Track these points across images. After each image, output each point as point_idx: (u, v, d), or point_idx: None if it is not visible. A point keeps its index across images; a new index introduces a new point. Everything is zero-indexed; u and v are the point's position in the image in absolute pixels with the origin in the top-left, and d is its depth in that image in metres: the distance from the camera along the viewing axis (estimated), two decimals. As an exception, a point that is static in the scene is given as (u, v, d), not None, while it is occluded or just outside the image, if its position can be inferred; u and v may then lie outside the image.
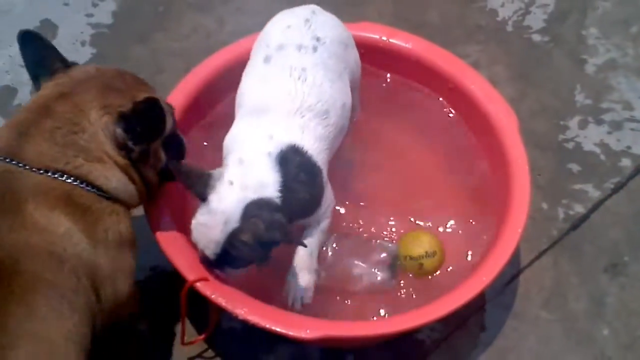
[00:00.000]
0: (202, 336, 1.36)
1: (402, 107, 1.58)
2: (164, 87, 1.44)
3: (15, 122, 1.17)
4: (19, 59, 1.82)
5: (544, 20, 1.97)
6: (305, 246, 1.23)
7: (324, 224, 1.32)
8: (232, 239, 1.15)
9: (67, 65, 1.23)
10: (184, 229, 1.28)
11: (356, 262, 1.38)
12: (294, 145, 1.26)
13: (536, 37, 1.93)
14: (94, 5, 1.99)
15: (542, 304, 1.49)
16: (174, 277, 1.31)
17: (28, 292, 1.03)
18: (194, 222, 1.19)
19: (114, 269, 1.15)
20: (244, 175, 1.18)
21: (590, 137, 1.76)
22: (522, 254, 1.55)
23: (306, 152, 1.26)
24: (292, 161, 1.23)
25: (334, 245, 1.38)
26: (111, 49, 1.90)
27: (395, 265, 1.41)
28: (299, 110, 1.26)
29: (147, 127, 1.18)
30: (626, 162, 1.71)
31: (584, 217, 1.62)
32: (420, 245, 1.41)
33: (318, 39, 1.34)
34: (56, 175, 1.12)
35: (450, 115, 1.57)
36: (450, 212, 1.49)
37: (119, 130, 1.16)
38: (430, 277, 1.40)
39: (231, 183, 1.17)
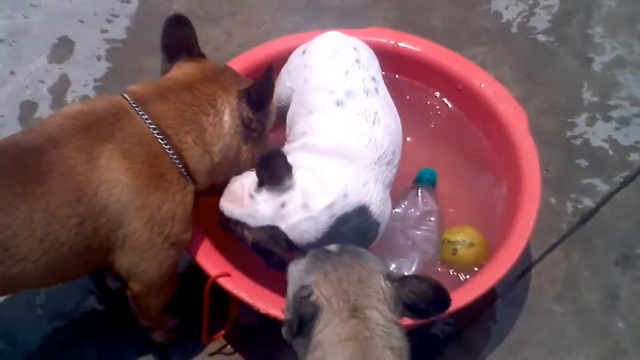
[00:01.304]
0: (222, 332, 1.40)
1: (409, 108, 1.62)
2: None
3: (159, 84, 1.30)
4: (38, 74, 1.97)
5: (548, 21, 2.01)
6: None
7: None
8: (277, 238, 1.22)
9: (202, 55, 1.35)
10: (207, 229, 1.33)
11: (406, 246, 1.42)
12: (362, 205, 1.29)
13: (541, 38, 1.98)
14: (109, 21, 2.07)
15: (554, 298, 1.52)
16: (191, 275, 1.36)
17: (19, 197, 1.12)
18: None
19: (148, 244, 1.22)
20: (296, 213, 1.23)
21: (598, 133, 1.79)
22: (532, 248, 1.58)
23: (370, 211, 1.29)
24: (352, 220, 1.27)
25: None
26: (126, 63, 1.97)
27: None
28: (378, 160, 1.31)
29: (262, 93, 1.28)
30: (635, 157, 1.74)
31: (594, 211, 1.65)
32: (461, 233, 1.46)
33: (374, 79, 1.40)
34: (160, 137, 1.22)
35: (458, 114, 1.61)
36: (460, 214, 1.52)
37: (240, 102, 1.26)
38: (458, 268, 1.43)
39: (282, 206, 1.23)
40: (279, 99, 1.50)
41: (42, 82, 1.96)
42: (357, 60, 1.41)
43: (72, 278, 1.30)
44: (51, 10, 2.11)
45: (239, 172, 1.32)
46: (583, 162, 1.73)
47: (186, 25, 1.33)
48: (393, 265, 1.41)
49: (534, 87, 1.87)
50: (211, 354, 1.45)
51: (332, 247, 1.11)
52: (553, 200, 1.66)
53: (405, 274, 1.39)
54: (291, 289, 1.08)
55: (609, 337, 1.46)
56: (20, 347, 1.49)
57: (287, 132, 1.44)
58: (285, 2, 2.08)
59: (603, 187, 1.69)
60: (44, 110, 1.88)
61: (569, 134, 1.79)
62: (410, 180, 1.52)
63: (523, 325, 1.48)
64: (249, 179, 1.28)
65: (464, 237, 1.43)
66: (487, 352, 1.44)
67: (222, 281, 1.27)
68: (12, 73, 1.95)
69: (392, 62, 1.56)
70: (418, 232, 1.43)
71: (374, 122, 1.33)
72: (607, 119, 1.81)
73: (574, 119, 1.81)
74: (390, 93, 1.45)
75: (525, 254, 1.57)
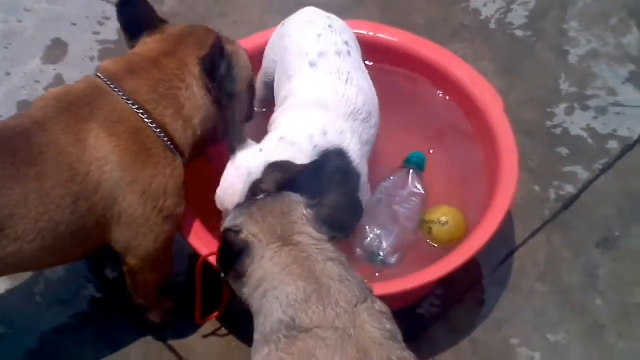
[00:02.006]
0: (216, 313, 1.45)
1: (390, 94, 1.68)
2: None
3: (128, 60, 1.34)
4: (33, 75, 2.03)
5: (525, 17, 2.09)
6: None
7: None
8: (254, 189, 1.25)
9: (163, 22, 1.39)
10: (199, 211, 1.39)
11: (388, 220, 1.47)
12: (341, 149, 1.37)
13: (519, 33, 2.05)
14: (100, 24, 2.13)
15: (536, 278, 1.58)
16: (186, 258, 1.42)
17: (14, 179, 1.17)
18: (219, 187, 1.31)
19: (143, 218, 1.26)
20: (277, 148, 1.29)
21: (577, 123, 1.86)
22: (516, 234, 1.65)
23: (350, 157, 1.35)
24: (333, 160, 1.31)
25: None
26: None
27: (375, 261, 1.47)
28: (352, 114, 1.38)
29: (214, 60, 1.30)
30: (613, 144, 1.81)
31: (575, 197, 1.71)
32: (437, 212, 1.52)
33: (347, 43, 1.48)
34: (140, 111, 1.26)
35: (440, 97, 1.68)
36: (443, 194, 1.58)
37: (201, 73, 1.30)
38: (436, 245, 1.50)
39: (261, 150, 1.30)
40: (266, 74, 1.58)
41: (37, 82, 2.01)
42: (329, 26, 1.50)
43: (70, 259, 1.35)
44: (44, 14, 2.17)
45: (225, 134, 1.36)
46: (564, 151, 1.80)
47: (139, 2, 1.36)
48: (376, 231, 1.46)
49: (513, 80, 1.94)
50: (205, 336, 1.50)
51: (258, 197, 1.20)
52: (537, 188, 1.73)
53: (383, 244, 1.45)
54: None
55: (588, 314, 1.52)
56: (18, 332, 1.53)
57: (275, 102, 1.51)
58: (274, 3, 2.14)
59: (583, 174, 1.75)
60: (39, 110, 1.95)
61: (549, 123, 1.86)
62: (397, 164, 1.57)
63: (506, 304, 1.53)
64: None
65: (438, 216, 1.50)
66: (471, 330, 1.50)
67: (213, 259, 1.28)
68: (8, 74, 2.00)
69: (371, 52, 1.63)
70: (401, 209, 1.49)
71: (347, 81, 1.41)
72: (585, 108, 1.88)
73: (553, 109, 1.88)
74: (373, 80, 1.51)
75: (509, 239, 1.64)
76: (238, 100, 1.38)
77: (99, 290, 1.59)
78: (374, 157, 1.54)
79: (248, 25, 2.13)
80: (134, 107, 1.26)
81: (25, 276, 1.61)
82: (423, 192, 1.53)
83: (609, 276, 1.57)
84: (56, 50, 2.08)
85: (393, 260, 1.47)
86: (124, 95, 1.26)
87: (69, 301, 1.58)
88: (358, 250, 1.47)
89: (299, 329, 1.07)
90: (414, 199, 1.51)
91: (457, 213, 1.53)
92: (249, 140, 1.36)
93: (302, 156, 1.29)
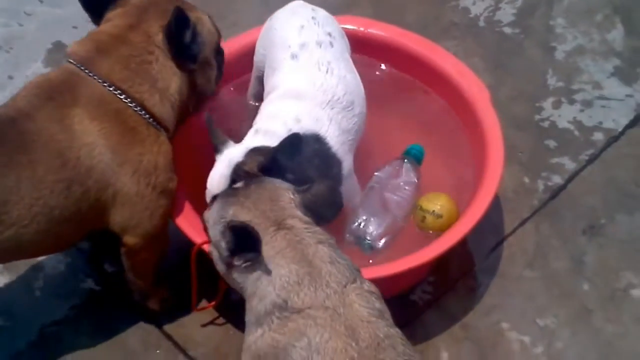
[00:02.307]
0: (212, 303, 1.50)
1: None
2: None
3: (96, 39, 1.36)
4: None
5: (513, 14, 2.15)
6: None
7: (354, 205, 1.49)
8: (237, 170, 1.30)
9: None
10: (192, 200, 1.45)
11: (379, 207, 1.53)
12: (317, 134, 1.41)
13: (507, 30, 2.12)
14: (100, 27, 2.20)
15: (525, 265, 1.63)
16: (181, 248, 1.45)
17: (6, 166, 1.22)
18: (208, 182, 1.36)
19: (138, 197, 1.30)
20: (254, 139, 1.35)
21: (564, 116, 1.92)
22: (505, 223, 1.70)
23: (327, 143, 1.40)
24: (308, 145, 1.36)
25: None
26: None
27: (364, 246, 1.52)
28: (330, 103, 1.43)
29: (182, 33, 1.33)
30: (598, 136, 1.87)
31: (562, 187, 1.77)
32: (434, 203, 1.57)
33: (330, 34, 1.53)
34: (117, 92, 1.30)
35: (425, 91, 1.74)
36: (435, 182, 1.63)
37: (164, 42, 1.32)
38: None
39: (242, 144, 1.35)
40: (257, 68, 1.64)
41: (38, 83, 2.10)
42: (312, 17, 1.55)
43: (68, 244, 1.40)
44: (45, 18, 2.23)
45: (201, 96, 1.42)
46: (552, 143, 1.86)
47: None
48: (364, 217, 1.52)
49: (503, 76, 2.00)
50: (204, 325, 1.55)
51: (237, 185, 1.26)
52: (526, 179, 1.79)
53: (371, 229, 1.50)
54: (213, 230, 1.21)
55: (576, 299, 1.58)
56: (18, 324, 1.59)
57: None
58: (271, 5, 2.19)
59: (570, 165, 1.81)
60: (40, 110, 2.01)
61: (537, 117, 1.92)
62: (386, 157, 1.63)
63: (496, 290, 1.59)
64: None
65: (434, 208, 1.54)
66: (462, 316, 1.55)
67: (207, 247, 1.33)
68: (10, 77, 2.06)
69: (362, 47, 1.69)
70: (393, 197, 1.54)
71: (327, 71, 1.45)
72: (572, 102, 1.94)
73: (541, 103, 1.94)
74: (360, 75, 1.57)
75: (499, 228, 1.70)
76: (207, 65, 1.41)
77: (98, 283, 1.64)
78: (365, 150, 1.60)
79: (247, 27, 2.17)
80: (110, 89, 1.29)
81: (24, 271, 1.67)
82: (416, 181, 1.58)
83: (596, 262, 1.63)
84: (57, 53, 2.14)
85: (380, 244, 1.52)
86: (99, 79, 1.29)
87: (67, 294, 1.64)
88: (347, 234, 1.52)
89: (290, 310, 1.12)
90: (407, 187, 1.57)
91: (452, 206, 1.57)
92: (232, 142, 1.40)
93: (277, 141, 1.33)
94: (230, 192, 1.24)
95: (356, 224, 1.52)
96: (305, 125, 1.40)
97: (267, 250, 1.15)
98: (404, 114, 1.74)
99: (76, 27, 2.22)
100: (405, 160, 1.61)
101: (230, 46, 1.67)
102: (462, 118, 1.67)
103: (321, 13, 1.59)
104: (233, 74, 1.71)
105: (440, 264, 1.60)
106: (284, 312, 1.12)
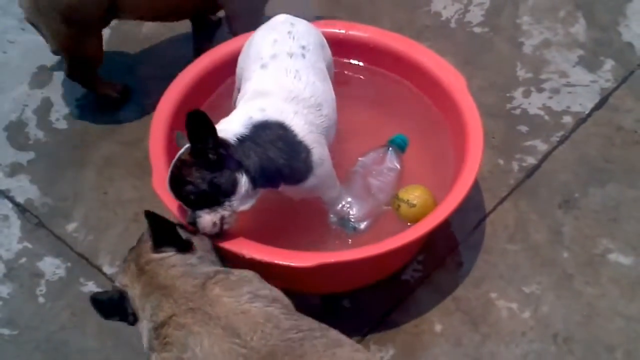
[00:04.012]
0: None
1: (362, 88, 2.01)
2: (152, 103, 1.85)
3: None
4: (21, 100, 2.31)
5: (482, 15, 2.45)
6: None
7: (331, 197, 1.68)
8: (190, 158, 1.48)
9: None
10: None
11: (362, 190, 1.73)
12: (282, 122, 1.56)
13: (477, 29, 2.40)
14: (84, 49, 2.42)
15: (507, 239, 1.86)
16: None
17: None
18: None
19: None
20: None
21: (534, 103, 2.19)
22: (485, 202, 1.94)
23: (293, 130, 1.55)
24: (272, 130, 1.53)
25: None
26: None
27: (347, 226, 1.72)
28: (295, 99, 1.59)
29: None
30: (567, 119, 2.13)
31: (536, 167, 2.02)
32: (410, 194, 1.76)
33: (304, 47, 1.69)
34: None
35: (406, 86, 1.98)
36: (417, 170, 1.86)
37: None
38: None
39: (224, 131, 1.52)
40: (238, 80, 1.81)
41: (26, 105, 2.30)
42: (288, 32, 1.72)
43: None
44: (28, 45, 2.46)
45: None
46: (524, 128, 2.12)
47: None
48: (348, 199, 1.72)
49: (474, 70, 2.27)
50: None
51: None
52: (501, 161, 2.03)
53: (354, 211, 1.71)
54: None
55: (557, 266, 1.80)
56: (25, 332, 1.76)
57: None
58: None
59: (542, 147, 2.06)
60: (31, 130, 2.20)
61: (509, 106, 2.18)
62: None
63: (482, 264, 1.81)
64: None
65: (409, 197, 1.75)
66: (453, 289, 1.76)
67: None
68: (-3, 100, 2.28)
69: (342, 48, 1.94)
70: (375, 181, 1.76)
71: (294, 77, 1.62)
72: (540, 90, 2.21)
73: (512, 93, 2.21)
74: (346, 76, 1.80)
75: (480, 207, 1.94)
76: None
77: (98, 285, 1.82)
78: (348, 140, 1.84)
79: (226, 38, 2.41)
80: None
81: (25, 279, 1.86)
82: (399, 167, 1.81)
83: (572, 232, 1.86)
84: (42, 76, 2.37)
85: (362, 226, 1.72)
86: None
87: (70, 299, 1.81)
88: (331, 215, 1.73)
89: (160, 326, 1.31)
90: (390, 173, 1.79)
91: (429, 197, 1.76)
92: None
93: (236, 125, 1.52)
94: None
95: (340, 205, 1.72)
96: (269, 114, 1.56)
97: (135, 298, 1.38)
98: (386, 105, 1.98)
99: (60, 51, 2.48)
100: (390, 148, 1.83)
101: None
102: (441, 106, 1.89)
103: (299, 27, 1.75)
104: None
105: (427, 243, 1.82)
106: (158, 331, 1.31)
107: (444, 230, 1.82)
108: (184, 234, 1.46)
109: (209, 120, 1.43)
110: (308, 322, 1.28)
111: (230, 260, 1.65)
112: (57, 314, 1.79)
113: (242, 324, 1.21)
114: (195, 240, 1.47)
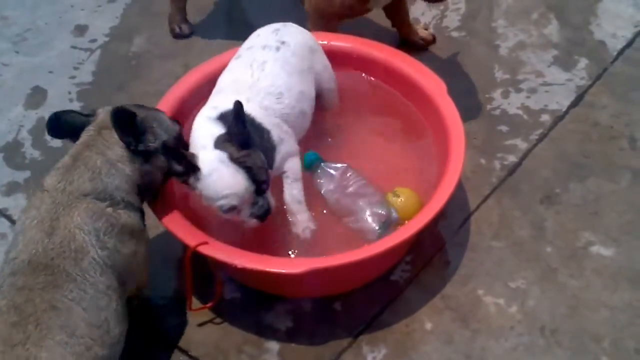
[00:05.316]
0: (209, 304, 1.65)
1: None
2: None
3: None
4: (17, 120, 2.26)
5: (458, 20, 2.42)
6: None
7: (291, 173, 1.66)
8: (238, 162, 1.49)
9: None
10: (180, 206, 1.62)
11: (358, 200, 1.70)
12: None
13: (454, 34, 2.37)
14: (75, 68, 2.39)
15: (492, 236, 1.82)
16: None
17: None
18: (206, 194, 1.51)
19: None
20: (200, 139, 1.54)
21: (513, 103, 2.15)
22: (469, 201, 1.90)
23: (249, 114, 1.57)
24: (230, 116, 1.53)
25: (346, 173, 1.72)
26: (96, 101, 2.27)
27: (386, 227, 1.68)
28: (248, 88, 1.62)
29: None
30: (545, 117, 2.10)
31: (517, 164, 1.99)
32: (396, 189, 1.74)
33: (283, 42, 1.72)
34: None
35: (389, 92, 1.95)
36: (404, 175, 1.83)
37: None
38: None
39: (204, 147, 1.52)
40: None
41: (22, 126, 2.25)
42: (276, 29, 1.77)
43: None
44: (22, 67, 2.42)
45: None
46: (504, 128, 2.08)
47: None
48: (367, 212, 1.68)
49: (454, 74, 2.23)
50: (201, 326, 1.68)
51: None
52: (483, 161, 2.00)
53: (382, 212, 1.68)
54: None
55: (541, 260, 1.77)
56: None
57: None
58: (235, 33, 2.39)
59: (522, 145, 2.03)
60: (27, 150, 2.16)
61: (488, 107, 2.15)
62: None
63: (469, 261, 1.77)
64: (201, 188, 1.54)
65: (395, 190, 1.73)
66: (441, 288, 1.72)
67: (202, 249, 1.51)
68: (-7, 122, 2.23)
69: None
70: (352, 188, 1.71)
71: (257, 68, 1.65)
72: (518, 90, 2.18)
73: (490, 94, 2.17)
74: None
75: (464, 206, 1.90)
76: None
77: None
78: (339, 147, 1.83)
79: (212, 54, 2.39)
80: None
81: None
82: (345, 164, 1.75)
83: (555, 227, 1.83)
84: (36, 96, 2.32)
85: (394, 213, 1.69)
86: None
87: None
88: (376, 228, 1.66)
89: (40, 188, 1.47)
90: (350, 177, 1.74)
91: (413, 193, 1.74)
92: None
93: (208, 129, 1.56)
94: None
95: (368, 221, 1.66)
96: (221, 108, 1.59)
97: None
98: (369, 111, 1.95)
99: (52, 71, 2.43)
100: (322, 164, 1.77)
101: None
102: (423, 110, 1.87)
103: (289, 28, 1.79)
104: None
105: (415, 244, 1.78)
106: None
107: (430, 230, 1.78)
108: None
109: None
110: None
111: (222, 269, 1.63)
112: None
113: (61, 237, 1.38)
114: None
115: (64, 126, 1.56)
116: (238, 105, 1.49)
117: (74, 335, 1.31)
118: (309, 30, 1.92)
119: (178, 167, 1.52)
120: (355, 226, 1.71)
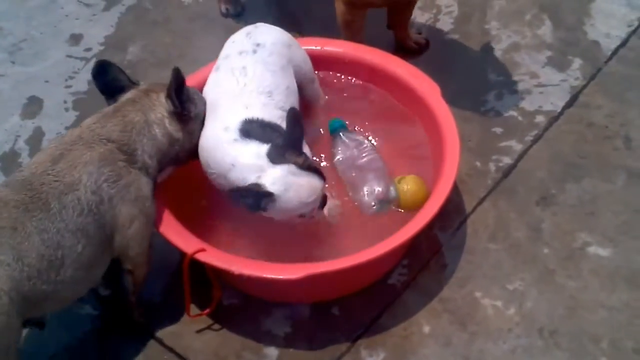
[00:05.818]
0: (207, 311, 1.64)
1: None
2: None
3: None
4: (14, 130, 2.25)
5: (451, 23, 2.39)
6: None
7: None
8: (310, 168, 1.50)
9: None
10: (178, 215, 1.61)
11: (363, 174, 1.73)
12: (245, 118, 1.58)
13: (448, 37, 2.35)
14: (71, 78, 2.36)
15: (489, 238, 1.80)
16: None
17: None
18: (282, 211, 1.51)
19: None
20: (245, 168, 1.51)
21: (507, 105, 2.13)
22: (465, 204, 1.88)
23: (260, 118, 1.58)
24: (254, 126, 1.55)
25: (361, 145, 1.77)
26: (91, 110, 2.17)
27: (385, 206, 1.71)
28: (242, 94, 1.62)
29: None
30: (540, 118, 2.08)
31: (513, 166, 1.97)
32: (406, 179, 1.75)
33: (258, 44, 1.72)
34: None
35: (384, 95, 1.94)
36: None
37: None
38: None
39: (261, 170, 1.49)
40: None
41: (18, 136, 2.23)
42: (248, 33, 1.76)
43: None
44: (17, 77, 2.40)
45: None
46: (498, 129, 2.06)
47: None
48: (365, 188, 1.72)
49: (448, 77, 2.19)
50: (199, 332, 1.67)
51: None
52: (478, 163, 1.98)
53: (381, 189, 1.71)
54: None
55: (538, 262, 1.75)
56: (28, 358, 1.66)
57: None
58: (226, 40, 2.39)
59: (517, 147, 2.01)
60: (24, 160, 2.13)
61: (482, 109, 2.13)
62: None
63: (466, 264, 1.75)
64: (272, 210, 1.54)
65: (404, 178, 1.75)
66: (438, 291, 1.71)
67: (199, 256, 1.50)
68: (-10, 132, 2.21)
69: (321, 64, 1.90)
70: (363, 162, 1.74)
71: (239, 74, 1.65)
72: (513, 92, 2.16)
73: (485, 97, 2.15)
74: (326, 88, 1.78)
75: (460, 209, 1.88)
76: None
77: (95, 308, 1.75)
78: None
79: (206, 62, 2.38)
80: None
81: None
82: (362, 137, 1.80)
83: (551, 228, 1.81)
84: (33, 106, 2.30)
85: (392, 192, 1.72)
86: None
87: (69, 322, 1.74)
88: (372, 204, 1.69)
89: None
90: (363, 146, 1.77)
91: (418, 181, 1.74)
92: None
93: (245, 150, 1.55)
94: None
95: (366, 193, 1.70)
96: (235, 126, 1.57)
97: None
98: (364, 115, 1.93)
99: (48, 81, 2.40)
100: (341, 134, 1.81)
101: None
102: (417, 113, 1.86)
103: (260, 28, 1.78)
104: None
105: (412, 247, 1.76)
106: None
107: (427, 233, 1.76)
108: None
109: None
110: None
111: (220, 276, 1.61)
112: (58, 339, 1.70)
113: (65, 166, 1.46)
114: None
115: (110, 77, 1.63)
116: (293, 111, 1.54)
117: (19, 261, 1.33)
118: (338, 21, 1.96)
119: None
120: (355, 198, 1.75)
